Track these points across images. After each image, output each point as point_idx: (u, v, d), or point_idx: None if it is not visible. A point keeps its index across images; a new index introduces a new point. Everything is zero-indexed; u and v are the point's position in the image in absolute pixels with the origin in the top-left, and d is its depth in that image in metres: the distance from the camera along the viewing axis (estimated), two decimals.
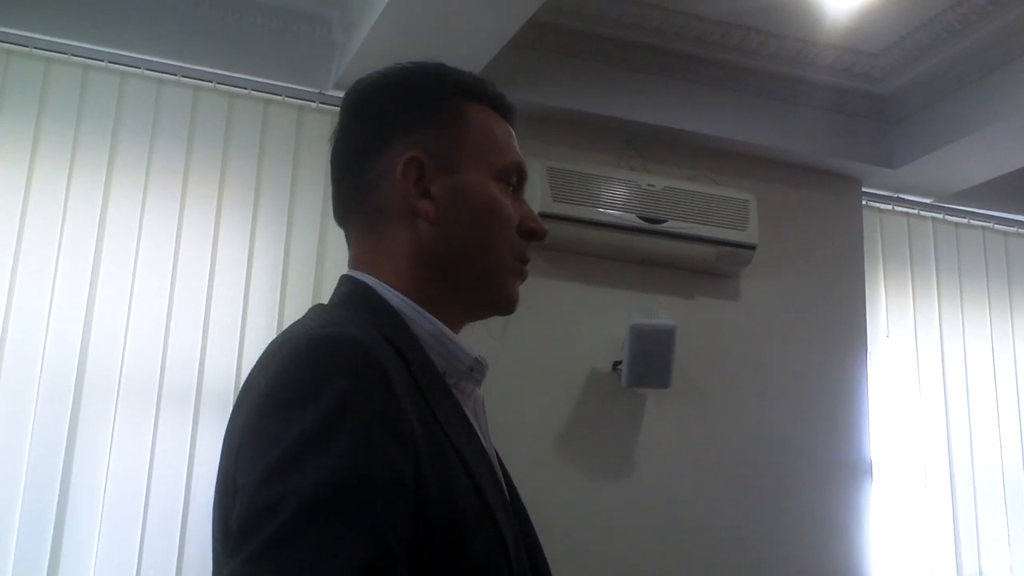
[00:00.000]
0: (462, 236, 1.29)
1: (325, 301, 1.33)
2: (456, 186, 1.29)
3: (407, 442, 1.08)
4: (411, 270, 1.28)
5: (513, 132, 1.40)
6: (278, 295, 3.36)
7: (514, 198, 1.35)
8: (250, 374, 1.20)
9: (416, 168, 1.28)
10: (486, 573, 1.14)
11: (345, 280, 1.32)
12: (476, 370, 1.30)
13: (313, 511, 0.98)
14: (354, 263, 1.33)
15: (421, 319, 1.26)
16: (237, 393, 1.23)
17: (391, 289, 1.27)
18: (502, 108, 1.38)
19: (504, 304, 1.34)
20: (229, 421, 1.20)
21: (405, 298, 1.26)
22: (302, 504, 0.98)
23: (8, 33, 3.24)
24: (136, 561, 3.05)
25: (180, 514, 3.12)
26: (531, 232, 1.34)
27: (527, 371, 3.45)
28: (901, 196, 4.23)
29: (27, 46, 3.26)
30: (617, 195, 3.54)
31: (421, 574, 1.05)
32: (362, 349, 1.11)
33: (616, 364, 3.52)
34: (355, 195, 1.33)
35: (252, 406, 1.10)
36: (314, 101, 3.53)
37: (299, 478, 0.99)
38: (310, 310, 1.30)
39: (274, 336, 1.27)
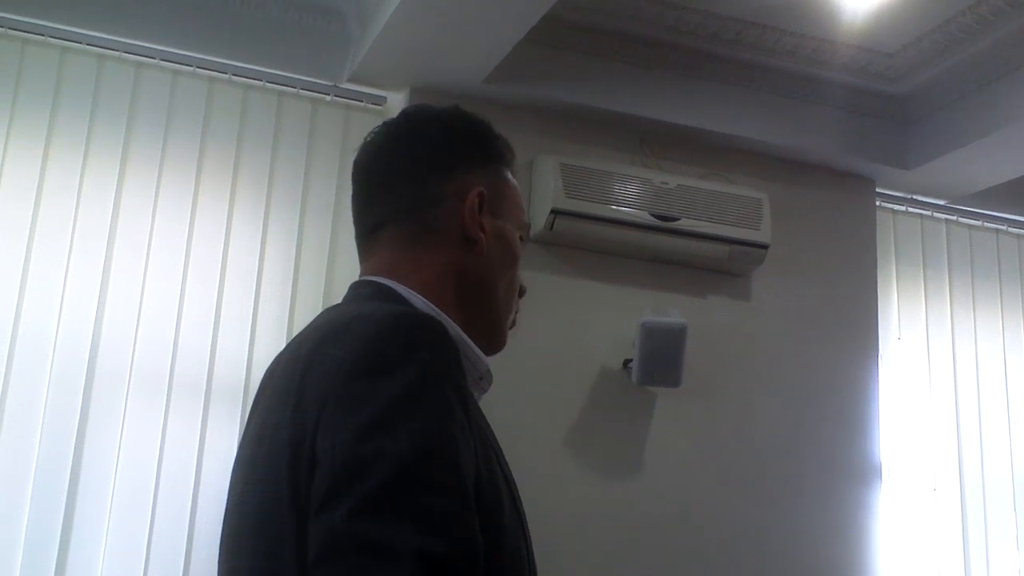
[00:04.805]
0: (495, 274, 1.41)
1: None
2: (499, 229, 1.41)
3: (471, 417, 1.18)
4: (441, 287, 1.35)
5: None
6: (290, 287, 3.35)
7: None
8: (304, 355, 1.23)
9: (479, 202, 1.39)
10: (514, 557, 1.22)
11: (365, 283, 1.37)
12: (485, 379, 1.38)
13: (410, 471, 1.06)
14: (376, 270, 1.38)
15: (444, 322, 1.31)
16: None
17: (413, 293, 1.33)
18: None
19: (499, 345, 1.45)
20: (264, 398, 1.29)
21: (429, 302, 1.33)
22: (398, 463, 1.06)
23: (24, 22, 3.24)
24: (145, 551, 3.06)
25: (189, 504, 3.13)
26: (521, 288, 1.49)
27: (537, 368, 3.44)
28: (915, 197, 4.21)
29: (43, 35, 3.26)
30: (630, 192, 3.53)
31: None
32: (439, 326, 1.22)
33: (626, 362, 3.51)
34: (405, 206, 1.39)
35: (332, 375, 1.16)
36: (328, 94, 3.53)
37: (393, 439, 1.08)
38: (331, 308, 1.36)
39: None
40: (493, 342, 1.43)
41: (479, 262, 1.38)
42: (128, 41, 3.33)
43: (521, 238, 1.47)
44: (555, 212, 3.42)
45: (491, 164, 1.44)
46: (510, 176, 1.47)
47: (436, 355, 1.17)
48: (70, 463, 3.05)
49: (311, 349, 1.23)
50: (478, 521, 1.10)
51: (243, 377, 3.23)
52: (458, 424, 1.14)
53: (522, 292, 1.49)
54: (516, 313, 1.47)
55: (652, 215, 3.54)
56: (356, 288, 1.37)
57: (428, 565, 1.02)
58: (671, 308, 3.50)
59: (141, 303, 3.21)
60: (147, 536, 3.07)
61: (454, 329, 1.31)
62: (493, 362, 1.40)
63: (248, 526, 1.22)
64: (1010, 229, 4.37)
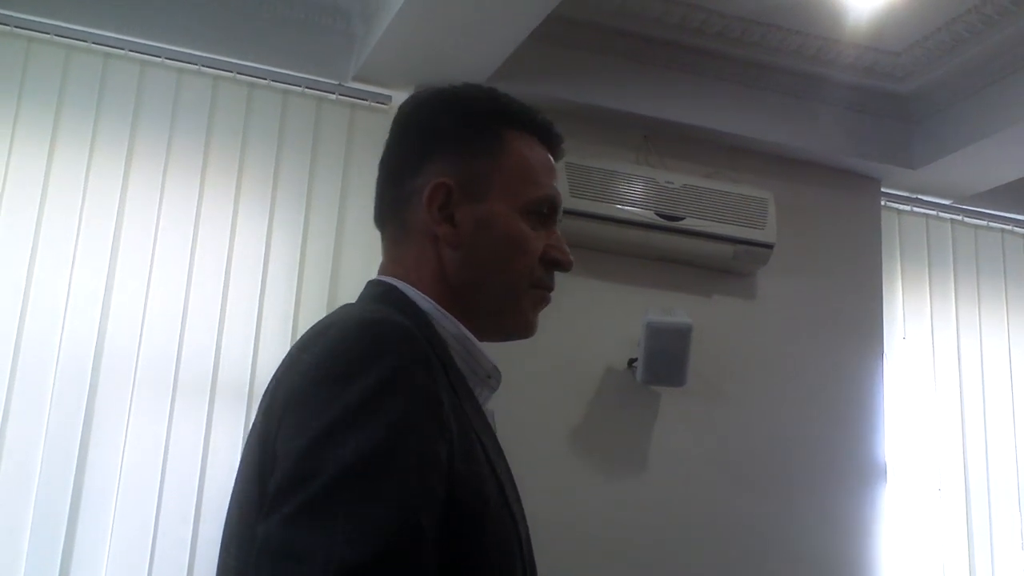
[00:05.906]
0: (481, 264, 1.33)
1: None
2: (480, 215, 1.33)
3: (444, 424, 1.14)
4: (437, 284, 1.33)
5: (554, 162, 1.42)
6: (295, 286, 3.34)
7: (544, 228, 1.37)
8: (288, 358, 1.25)
9: (443, 194, 1.32)
10: (502, 560, 1.19)
11: (374, 283, 1.37)
12: (493, 377, 1.36)
13: (349, 480, 1.04)
14: (383, 269, 1.39)
15: (447, 322, 1.31)
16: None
17: (419, 293, 1.32)
18: (547, 139, 1.41)
19: (520, 330, 1.39)
20: (263, 401, 1.26)
21: (432, 301, 1.31)
22: (340, 472, 1.04)
23: (29, 20, 3.25)
24: (150, 550, 3.06)
25: (194, 503, 3.13)
26: (555, 262, 1.37)
27: (542, 367, 3.43)
28: (920, 197, 4.20)
29: (48, 33, 3.26)
30: (635, 191, 3.53)
31: (446, 553, 1.10)
32: (408, 333, 1.18)
33: (631, 361, 3.51)
34: (391, 206, 1.39)
35: (297, 379, 1.16)
36: (333, 93, 3.53)
37: (340, 449, 1.06)
38: (341, 307, 1.35)
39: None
40: (509, 330, 1.39)
41: (456, 256, 1.32)
42: (133, 40, 3.33)
43: (543, 211, 1.36)
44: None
45: (475, 142, 1.35)
46: (512, 144, 1.36)
47: (399, 363, 1.13)
48: (75, 462, 3.05)
49: (294, 352, 1.24)
50: (430, 531, 1.07)
51: (248, 375, 3.23)
52: (416, 431, 1.10)
53: (560, 265, 1.37)
54: (545, 290, 1.38)
55: (657, 214, 3.54)
56: (369, 287, 1.37)
57: (348, 574, 1.00)
58: (676, 307, 3.50)
59: (146, 302, 3.21)
60: (152, 534, 3.07)
61: (456, 328, 1.31)
62: (497, 360, 1.38)
63: (235, 526, 1.23)
64: (1015, 229, 4.36)
